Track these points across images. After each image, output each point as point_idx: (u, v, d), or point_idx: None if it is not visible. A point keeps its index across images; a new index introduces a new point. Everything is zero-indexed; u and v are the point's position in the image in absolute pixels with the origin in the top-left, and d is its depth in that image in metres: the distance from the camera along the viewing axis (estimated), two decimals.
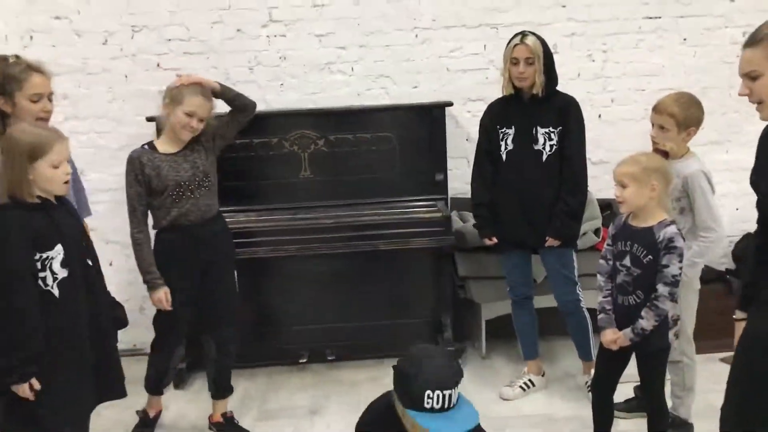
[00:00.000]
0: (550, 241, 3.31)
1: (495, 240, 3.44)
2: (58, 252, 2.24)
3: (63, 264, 2.25)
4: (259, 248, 3.71)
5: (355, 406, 3.35)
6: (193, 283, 3.07)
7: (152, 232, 3.10)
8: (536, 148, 3.26)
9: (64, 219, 2.31)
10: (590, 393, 3.39)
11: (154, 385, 3.26)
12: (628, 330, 2.61)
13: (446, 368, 2.02)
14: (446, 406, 1.97)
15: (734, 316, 2.26)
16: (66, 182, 2.29)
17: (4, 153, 2.23)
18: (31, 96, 2.61)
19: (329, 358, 3.90)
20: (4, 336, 2.18)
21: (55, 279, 2.24)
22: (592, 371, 3.45)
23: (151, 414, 3.30)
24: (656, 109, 2.93)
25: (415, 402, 1.97)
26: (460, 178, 4.13)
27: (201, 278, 3.09)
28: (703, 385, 3.53)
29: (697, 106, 2.90)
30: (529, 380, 3.57)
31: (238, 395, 3.54)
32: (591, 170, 3.85)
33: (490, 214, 3.43)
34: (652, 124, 2.96)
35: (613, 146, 4.20)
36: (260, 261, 3.77)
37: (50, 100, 2.68)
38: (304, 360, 3.91)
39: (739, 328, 2.24)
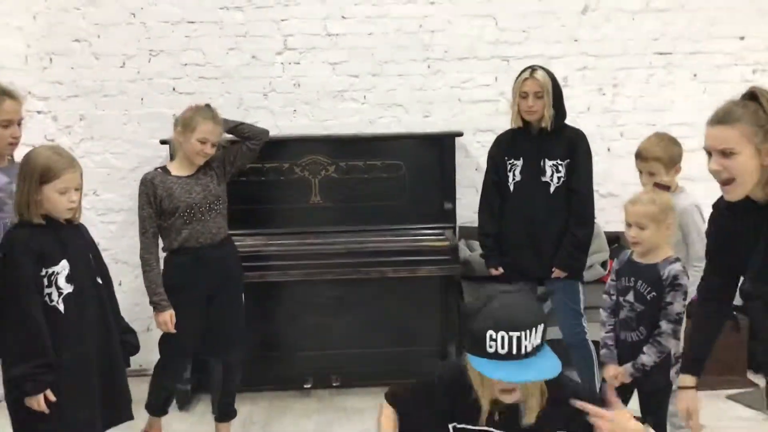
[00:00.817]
0: (557, 272, 3.31)
1: (501, 270, 3.45)
2: (63, 267, 2.28)
3: (68, 279, 2.29)
4: (267, 272, 3.73)
5: None
6: (201, 306, 3.09)
7: (162, 255, 3.13)
8: (544, 180, 3.28)
9: (71, 237, 2.36)
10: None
11: (159, 408, 3.26)
12: (629, 365, 2.60)
13: (519, 307, 1.66)
14: (515, 352, 1.61)
15: (680, 384, 2.25)
16: (69, 209, 2.33)
17: (21, 172, 2.30)
18: (1, 121, 2.62)
19: (334, 384, 3.90)
20: (17, 348, 2.21)
21: (60, 294, 2.27)
22: None
23: None
24: (641, 157, 2.99)
25: (476, 344, 1.64)
26: (468, 207, 4.15)
27: (209, 302, 3.11)
28: (710, 421, 3.51)
29: (675, 142, 3.00)
30: None
31: (240, 419, 3.53)
32: (599, 203, 3.87)
33: (497, 245, 3.44)
34: (640, 172, 3.01)
35: (622, 179, 4.21)
36: (268, 285, 3.79)
37: (19, 125, 2.70)
38: (309, 385, 3.91)
39: (687, 396, 2.22)
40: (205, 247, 3.06)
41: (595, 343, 3.52)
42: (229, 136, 3.25)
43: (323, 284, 3.84)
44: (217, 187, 3.12)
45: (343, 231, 3.89)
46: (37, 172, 2.25)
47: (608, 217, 4.25)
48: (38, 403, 2.20)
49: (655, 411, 2.70)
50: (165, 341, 3.15)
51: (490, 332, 1.61)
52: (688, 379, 2.24)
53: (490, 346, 1.61)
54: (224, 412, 3.28)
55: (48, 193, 2.27)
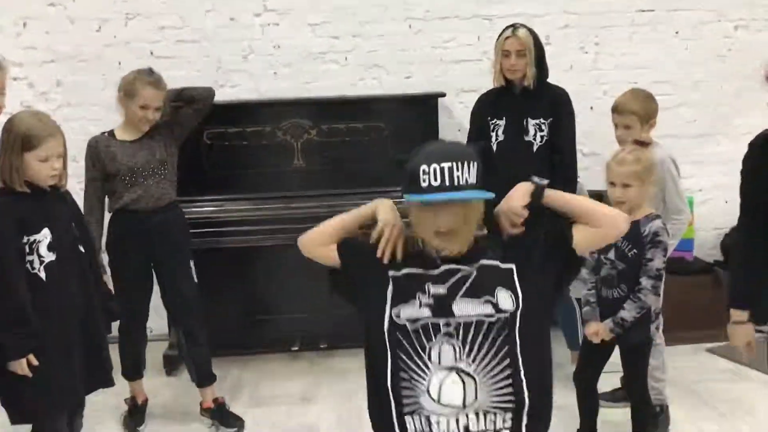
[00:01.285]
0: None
1: (485, 231, 3.46)
2: (44, 236, 2.27)
3: (50, 248, 2.28)
4: (251, 237, 3.72)
5: (347, 394, 3.41)
6: (145, 271, 3.12)
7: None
8: (527, 139, 3.27)
9: (53, 205, 2.35)
10: None
11: (132, 371, 3.28)
12: (609, 321, 2.63)
13: (450, 144, 1.72)
14: (448, 183, 1.61)
15: (735, 320, 2.27)
16: (52, 176, 2.31)
17: (2, 140, 2.26)
18: None
19: (321, 346, 3.93)
20: (1, 314, 2.20)
21: (41, 262, 2.27)
22: None
23: (139, 400, 3.32)
24: (617, 110, 3.03)
25: (412, 183, 1.64)
26: None
27: (157, 269, 3.15)
28: (689, 375, 3.59)
29: (651, 98, 3.04)
30: None
31: (230, 382, 3.57)
32: (582, 161, 3.89)
33: None
34: (615, 126, 3.04)
35: (605, 138, 4.19)
36: (253, 250, 3.79)
37: (3, 95, 2.67)
38: (297, 348, 3.94)
39: (746, 330, 2.26)
40: (147, 211, 3.07)
41: (578, 300, 3.58)
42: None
43: None
44: (163, 152, 3.12)
45: (326, 194, 3.87)
46: (19, 140, 2.22)
47: (591, 175, 4.26)
48: (21, 367, 2.21)
49: (635, 366, 2.75)
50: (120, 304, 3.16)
51: (423, 167, 1.62)
52: (743, 315, 2.26)
53: (424, 180, 1.62)
54: (201, 377, 3.29)
55: (30, 161, 2.24)
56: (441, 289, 1.67)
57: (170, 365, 3.84)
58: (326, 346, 3.93)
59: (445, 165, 1.61)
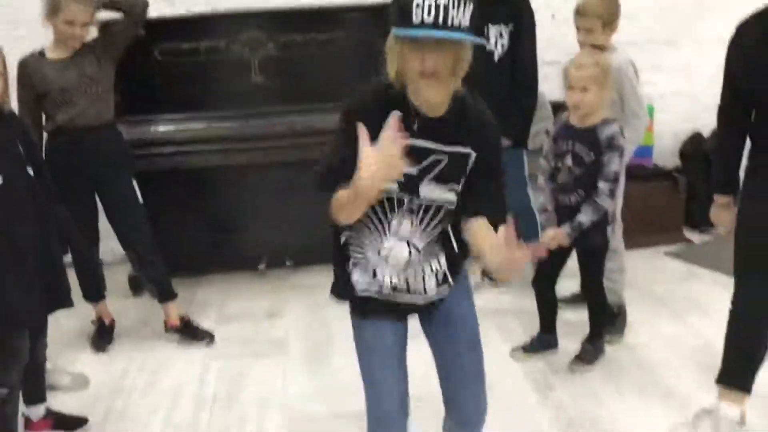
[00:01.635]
0: (503, 141, 3.33)
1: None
2: None
3: None
4: (211, 156, 3.67)
5: (314, 308, 3.46)
6: (83, 190, 3.09)
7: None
8: (488, 48, 3.22)
9: None
10: None
11: (91, 293, 3.28)
12: (566, 226, 2.67)
13: None
14: (441, 21, 1.51)
15: (720, 203, 2.40)
16: None
17: None
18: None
19: (287, 264, 3.96)
20: None
21: None
22: None
23: (106, 321, 3.34)
24: (581, 13, 2.99)
25: (402, 16, 1.53)
26: None
27: (97, 190, 3.12)
28: (646, 277, 3.71)
29: (615, 2, 2.99)
30: (481, 278, 3.70)
31: (196, 301, 3.59)
32: (543, 70, 3.84)
33: None
34: (577, 28, 3.01)
35: (567, 46, 4.15)
36: (213, 169, 3.74)
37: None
38: (263, 266, 3.96)
39: (728, 213, 2.37)
40: (81, 130, 3.01)
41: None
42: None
43: (270, 166, 3.80)
44: (96, 69, 3.03)
45: (287, 111, 3.81)
46: None
47: (553, 84, 4.22)
48: None
49: (592, 268, 2.83)
50: None
51: (416, 1, 1.51)
52: (726, 199, 2.40)
53: (416, 15, 1.51)
54: (161, 293, 3.31)
55: None
56: (412, 170, 1.65)
57: (135, 287, 3.84)
58: (292, 263, 3.96)
59: (441, 2, 1.51)
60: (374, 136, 1.54)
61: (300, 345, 3.25)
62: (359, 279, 1.81)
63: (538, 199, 2.84)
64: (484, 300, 3.55)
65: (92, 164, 3.07)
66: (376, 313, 1.82)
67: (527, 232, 3.58)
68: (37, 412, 2.61)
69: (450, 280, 1.84)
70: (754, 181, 2.29)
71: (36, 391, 2.61)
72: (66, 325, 3.40)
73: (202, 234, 3.96)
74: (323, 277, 3.03)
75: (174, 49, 3.72)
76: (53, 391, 2.82)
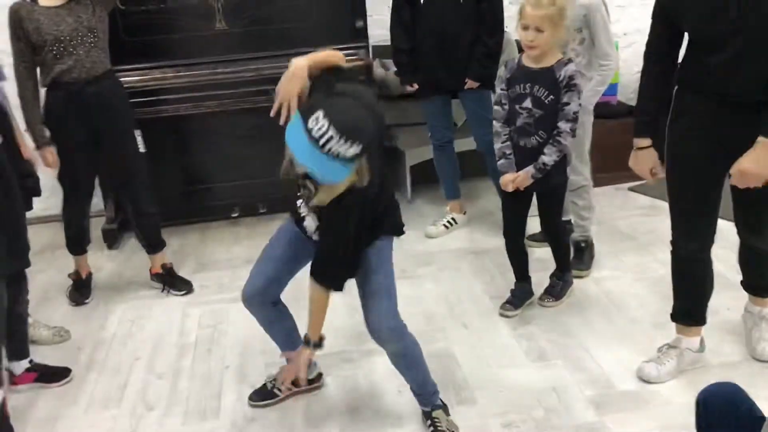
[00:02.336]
0: (470, 83, 3.36)
1: (416, 86, 3.48)
2: None
3: None
4: (179, 105, 3.65)
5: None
6: (87, 142, 3.05)
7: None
8: None
9: None
10: None
11: (75, 244, 3.29)
12: (530, 168, 2.69)
13: (355, 110, 1.79)
14: (321, 144, 1.73)
15: (638, 146, 2.37)
16: None
17: None
18: None
19: (261, 211, 3.99)
20: None
21: None
22: None
23: (83, 275, 3.35)
24: None
25: (305, 110, 1.80)
26: (380, 25, 4.06)
27: (99, 139, 3.08)
28: (612, 213, 3.82)
29: None
30: (452, 218, 3.76)
31: (172, 251, 3.61)
32: (509, 10, 3.84)
33: (411, 60, 3.44)
34: None
35: None
36: (181, 119, 3.73)
37: None
38: (236, 214, 3.99)
39: (647, 155, 2.37)
40: (80, 81, 2.96)
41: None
42: None
43: (239, 114, 3.79)
44: (92, 17, 2.95)
45: (253, 58, 3.78)
46: None
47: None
48: None
49: (552, 207, 2.88)
50: (61, 178, 3.13)
51: (318, 113, 1.74)
52: (645, 141, 2.36)
53: (311, 123, 1.74)
54: (152, 244, 3.35)
55: None
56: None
57: (110, 239, 3.85)
58: (265, 210, 3.99)
59: (332, 133, 1.72)
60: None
61: None
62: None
63: (495, 144, 2.82)
64: (458, 241, 3.66)
65: (93, 116, 3.01)
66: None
67: (494, 171, 3.64)
68: (20, 366, 2.65)
69: None
70: (679, 123, 2.29)
71: (19, 347, 2.64)
72: (42, 280, 3.41)
73: (176, 184, 3.96)
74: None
75: None
76: (34, 345, 2.85)
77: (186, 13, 3.74)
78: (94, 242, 3.81)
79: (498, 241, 3.56)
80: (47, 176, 3.24)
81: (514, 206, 2.89)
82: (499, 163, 2.80)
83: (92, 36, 2.95)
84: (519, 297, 2.98)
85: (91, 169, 3.18)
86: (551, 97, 2.63)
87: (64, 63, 2.91)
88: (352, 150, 1.76)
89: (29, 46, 2.88)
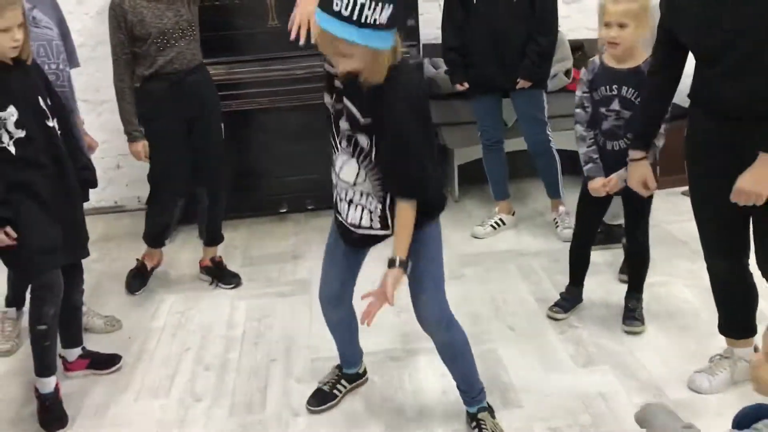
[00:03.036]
0: (522, 83, 3.33)
1: (466, 85, 3.46)
2: (11, 114, 2.27)
3: (17, 125, 2.28)
4: (232, 101, 3.70)
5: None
6: (181, 135, 3.10)
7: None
8: None
9: (18, 81, 2.31)
10: (560, 230, 3.55)
11: (153, 239, 3.36)
12: (622, 171, 2.57)
13: None
14: (355, 17, 1.71)
15: (631, 158, 2.38)
16: (14, 47, 2.26)
17: None
18: None
19: (309, 207, 4.02)
20: None
21: (11, 137, 2.28)
22: (561, 208, 3.58)
23: (149, 265, 3.41)
24: None
25: (326, 1, 1.75)
26: (431, 23, 4.06)
27: (189, 129, 3.12)
28: (665, 217, 3.74)
29: None
30: (500, 219, 3.73)
31: (222, 245, 3.66)
32: (563, 10, 3.82)
33: (461, 59, 3.42)
34: None
35: None
36: (234, 114, 3.76)
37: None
38: (285, 210, 4.03)
39: (639, 167, 2.35)
40: (180, 73, 3.03)
41: (561, 151, 3.63)
42: None
43: (289, 111, 3.82)
44: (189, 11, 3.03)
45: (305, 55, 3.79)
46: None
47: (572, 24, 4.21)
48: (0, 239, 2.29)
49: (642, 212, 2.78)
50: (152, 174, 3.19)
51: None
52: (637, 153, 2.39)
53: (337, 4, 1.71)
54: (212, 237, 3.41)
55: None
56: (340, 104, 1.98)
57: None
58: (313, 207, 4.02)
59: (361, 1, 1.70)
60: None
61: None
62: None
63: (580, 149, 2.72)
64: (505, 242, 3.63)
65: (190, 106, 3.08)
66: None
67: (545, 172, 3.61)
68: (73, 353, 2.72)
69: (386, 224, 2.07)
70: (693, 140, 2.24)
71: (74, 335, 2.71)
72: (96, 270, 3.50)
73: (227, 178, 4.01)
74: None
75: None
76: (88, 333, 2.93)
77: (240, 10, 3.79)
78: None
79: (545, 243, 3.54)
80: (102, 168, 3.32)
81: (591, 211, 2.81)
82: (586, 168, 2.70)
83: (191, 29, 3.03)
84: (569, 301, 2.93)
85: (185, 162, 3.16)
86: (640, 97, 2.52)
87: (167, 55, 2.98)
88: (386, 12, 1.73)
89: (130, 38, 2.94)
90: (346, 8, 1.71)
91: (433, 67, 4.08)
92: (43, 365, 2.46)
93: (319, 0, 1.78)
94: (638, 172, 2.41)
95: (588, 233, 2.89)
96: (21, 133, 2.28)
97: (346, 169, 2.03)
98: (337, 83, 1.97)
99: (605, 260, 3.31)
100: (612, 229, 3.37)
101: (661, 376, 2.50)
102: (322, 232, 3.80)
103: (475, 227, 3.72)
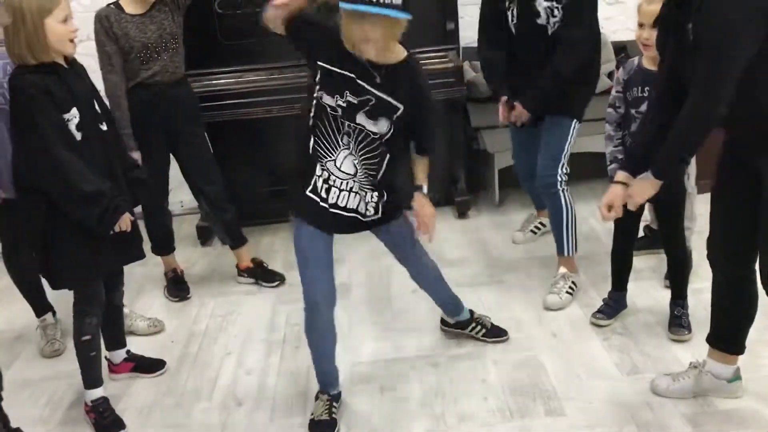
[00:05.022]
0: (518, 109, 3.04)
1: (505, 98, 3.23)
2: (74, 115, 2.28)
3: (78, 127, 2.29)
4: (271, 107, 3.71)
5: (375, 254, 3.50)
6: (160, 144, 3.16)
7: None
8: (539, 23, 2.94)
9: (75, 82, 2.33)
10: (546, 294, 3.16)
11: (162, 245, 3.39)
12: (648, 173, 2.41)
13: None
14: (381, 0, 1.97)
15: (616, 179, 2.27)
16: (72, 40, 2.30)
17: (15, 18, 2.20)
18: None
19: None
20: (74, 193, 2.25)
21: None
22: (561, 269, 3.16)
23: (178, 271, 3.46)
24: None
25: None
26: (470, 27, 4.00)
27: (171, 141, 3.19)
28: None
29: None
30: (540, 223, 3.67)
31: (262, 249, 3.70)
32: (606, 11, 3.77)
33: (499, 73, 3.16)
34: None
35: None
36: (273, 120, 3.78)
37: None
38: None
39: (616, 190, 2.25)
40: (162, 85, 3.08)
41: (600, 155, 3.50)
42: None
43: None
44: (173, 24, 3.07)
45: None
46: (34, 8, 2.18)
47: (615, 26, 4.15)
48: (125, 223, 2.34)
49: (672, 220, 2.72)
50: None
51: None
52: (619, 175, 2.26)
53: None
54: (233, 239, 3.43)
55: (52, 26, 2.21)
56: (353, 100, 2.17)
57: (204, 236, 3.97)
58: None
59: None
60: (321, 49, 2.16)
61: (362, 290, 3.33)
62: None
63: (607, 148, 2.69)
64: (546, 248, 3.57)
65: (171, 118, 3.13)
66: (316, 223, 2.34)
67: (551, 218, 3.19)
68: (119, 355, 2.77)
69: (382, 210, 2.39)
70: (721, 177, 2.21)
71: (117, 337, 2.76)
72: (139, 273, 3.55)
73: (264, 183, 4.05)
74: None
75: (232, 2, 3.74)
76: (131, 335, 2.98)
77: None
78: (189, 238, 3.97)
79: (587, 247, 3.47)
80: None
81: (625, 213, 2.76)
82: (610, 168, 2.67)
83: (174, 42, 3.07)
84: (613, 307, 2.88)
85: (165, 171, 3.27)
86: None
87: (150, 68, 3.03)
88: None
89: (117, 49, 2.98)
90: None
91: (473, 70, 4.05)
92: (92, 377, 2.51)
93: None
94: (610, 194, 2.27)
95: (626, 236, 2.84)
96: (79, 136, 2.29)
97: (346, 163, 2.26)
98: (362, 83, 2.16)
99: (649, 265, 3.24)
100: (655, 233, 3.30)
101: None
102: (360, 237, 3.80)
103: (515, 233, 3.67)
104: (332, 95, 2.17)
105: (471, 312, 2.81)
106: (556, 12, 2.91)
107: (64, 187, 2.25)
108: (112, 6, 3.02)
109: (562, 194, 3.06)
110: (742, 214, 2.14)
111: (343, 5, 2.01)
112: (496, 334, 2.79)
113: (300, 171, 2.32)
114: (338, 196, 2.30)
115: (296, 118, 3.81)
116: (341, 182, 2.28)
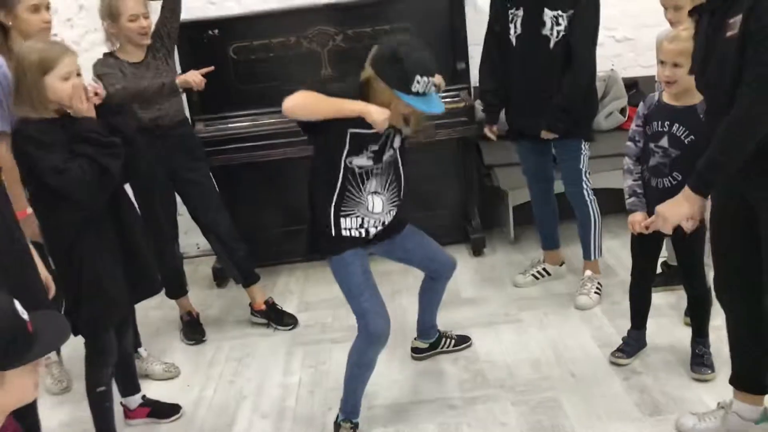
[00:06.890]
0: (544, 134, 3.16)
1: (495, 131, 3.36)
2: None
3: None
4: (286, 149, 3.73)
5: (391, 294, 3.50)
6: (166, 181, 3.20)
7: None
8: (544, 33, 3.04)
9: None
10: (577, 295, 3.33)
11: (174, 288, 3.38)
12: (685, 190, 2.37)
13: (431, 58, 2.29)
14: (427, 92, 2.26)
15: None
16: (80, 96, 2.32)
17: (17, 71, 2.26)
18: (29, 7, 2.65)
19: None
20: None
21: None
22: (587, 272, 3.37)
23: (193, 314, 3.45)
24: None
25: (402, 83, 2.23)
26: None
27: (179, 183, 3.23)
28: None
29: None
30: (543, 269, 3.57)
31: (277, 289, 3.69)
32: (615, 48, 3.79)
33: (496, 102, 3.31)
34: (665, 9, 2.83)
35: (639, 22, 4.07)
36: (288, 162, 3.81)
37: (47, 9, 2.72)
38: None
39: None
40: (164, 128, 3.13)
41: (619, 191, 3.50)
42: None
43: None
44: (167, 67, 3.14)
45: None
46: (35, 65, 2.22)
47: (625, 63, 4.16)
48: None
49: (693, 253, 2.67)
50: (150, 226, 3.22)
51: (417, 76, 2.22)
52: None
53: (415, 86, 2.23)
54: (246, 277, 3.43)
55: (52, 83, 2.24)
56: (376, 147, 2.40)
57: (219, 278, 3.98)
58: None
59: (431, 79, 2.25)
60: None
61: None
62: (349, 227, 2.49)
63: (624, 181, 2.68)
64: (562, 283, 3.54)
65: (173, 159, 3.18)
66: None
67: (579, 226, 3.36)
68: (134, 401, 2.76)
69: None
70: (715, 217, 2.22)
71: (130, 382, 2.75)
72: (154, 316, 3.56)
73: (279, 224, 4.06)
74: (399, 265, 3.11)
75: (246, 47, 3.82)
76: (147, 380, 2.97)
77: (293, 60, 3.87)
78: (205, 280, 3.98)
79: (604, 284, 3.43)
80: None
81: (644, 247, 2.73)
82: (629, 201, 2.65)
83: (171, 87, 3.09)
84: (633, 345, 2.83)
85: (172, 213, 3.31)
86: (691, 137, 2.46)
87: (150, 112, 3.09)
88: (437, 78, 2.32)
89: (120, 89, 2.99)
90: (423, 89, 2.26)
91: None
92: (106, 428, 2.51)
93: (391, 80, 2.25)
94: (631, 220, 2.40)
95: (644, 273, 2.80)
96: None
97: (377, 204, 2.48)
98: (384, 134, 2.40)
99: (668, 302, 3.20)
100: (673, 269, 3.26)
101: None
102: (377, 277, 3.78)
103: (517, 276, 3.59)
104: (359, 154, 2.37)
105: (438, 330, 3.01)
106: (561, 20, 3.03)
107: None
108: (107, 56, 3.07)
109: (589, 201, 3.28)
110: (743, 253, 2.09)
111: (399, 94, 2.25)
112: (461, 341, 3.04)
113: (323, 224, 2.48)
114: (378, 221, 2.51)
115: (308, 160, 3.86)
116: (374, 220, 2.49)
